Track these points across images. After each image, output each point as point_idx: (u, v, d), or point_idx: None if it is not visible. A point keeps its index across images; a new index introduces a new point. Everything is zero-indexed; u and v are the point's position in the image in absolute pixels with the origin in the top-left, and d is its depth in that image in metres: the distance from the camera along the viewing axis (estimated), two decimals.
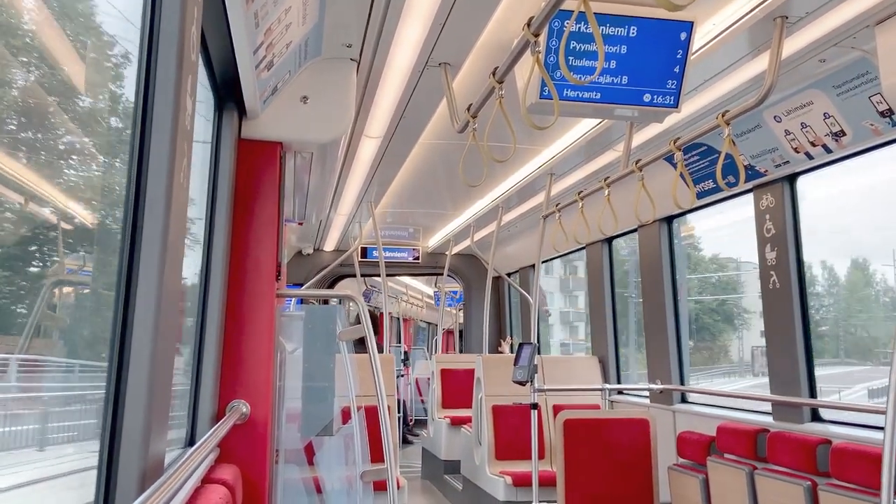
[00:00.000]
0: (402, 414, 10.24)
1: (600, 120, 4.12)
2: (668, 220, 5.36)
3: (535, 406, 4.98)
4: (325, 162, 4.68)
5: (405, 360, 11.96)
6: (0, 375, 1.46)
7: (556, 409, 5.37)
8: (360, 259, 8.64)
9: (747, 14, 2.85)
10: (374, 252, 8.79)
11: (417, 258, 9.33)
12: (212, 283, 2.64)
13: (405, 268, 9.79)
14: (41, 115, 1.49)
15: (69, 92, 1.60)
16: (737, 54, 3.19)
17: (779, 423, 4.07)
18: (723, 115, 3.17)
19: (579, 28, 2.86)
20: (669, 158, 3.86)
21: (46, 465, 1.62)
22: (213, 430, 2.35)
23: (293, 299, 7.81)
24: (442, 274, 9.40)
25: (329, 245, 9.01)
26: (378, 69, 3.40)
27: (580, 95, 3.00)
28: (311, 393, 3.36)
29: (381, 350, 7.31)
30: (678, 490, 4.52)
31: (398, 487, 4.70)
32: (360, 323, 3.20)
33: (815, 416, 3.97)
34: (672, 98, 3.06)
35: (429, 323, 20.91)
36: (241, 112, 2.86)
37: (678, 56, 2.98)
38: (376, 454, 3.55)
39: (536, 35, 2.46)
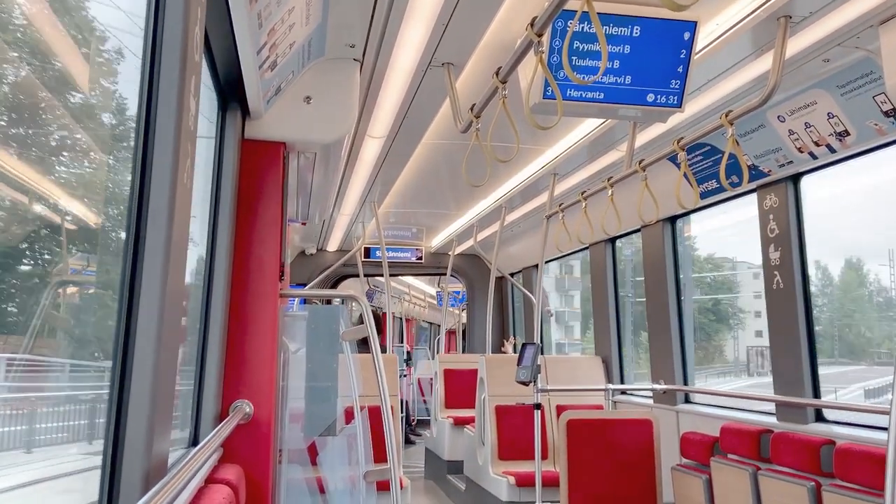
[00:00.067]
0: (404, 414, 10.23)
1: (603, 120, 4.12)
2: (672, 220, 5.35)
3: (538, 406, 4.98)
4: (328, 162, 4.68)
5: (408, 360, 11.96)
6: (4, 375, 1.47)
7: (560, 410, 5.36)
8: (363, 259, 8.65)
9: (751, 14, 2.84)
10: (377, 252, 8.80)
11: (420, 258, 9.33)
12: (215, 283, 2.65)
13: (408, 268, 9.79)
14: (44, 115, 1.50)
15: (70, 92, 1.60)
16: (740, 54, 3.18)
17: (782, 423, 4.06)
18: (726, 115, 3.17)
19: (583, 28, 2.86)
20: (673, 158, 3.85)
21: (35, 466, 1.62)
22: (216, 430, 2.36)
23: (296, 299, 7.82)
24: (445, 274, 9.40)
25: (332, 245, 9.02)
26: (381, 69, 3.41)
27: (583, 95, 3.00)
28: (315, 393, 3.36)
29: (384, 350, 7.32)
30: (681, 490, 4.51)
31: (401, 488, 4.70)
32: (362, 323, 3.20)
33: (819, 417, 3.97)
34: (675, 98, 3.06)
35: (431, 323, 20.91)
36: (245, 112, 2.87)
37: (682, 56, 2.98)
38: (379, 454, 3.55)
39: (540, 35, 2.46)
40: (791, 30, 2.87)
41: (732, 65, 3.29)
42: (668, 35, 2.93)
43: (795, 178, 4.06)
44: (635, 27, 2.89)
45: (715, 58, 3.19)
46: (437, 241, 9.09)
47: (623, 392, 6.12)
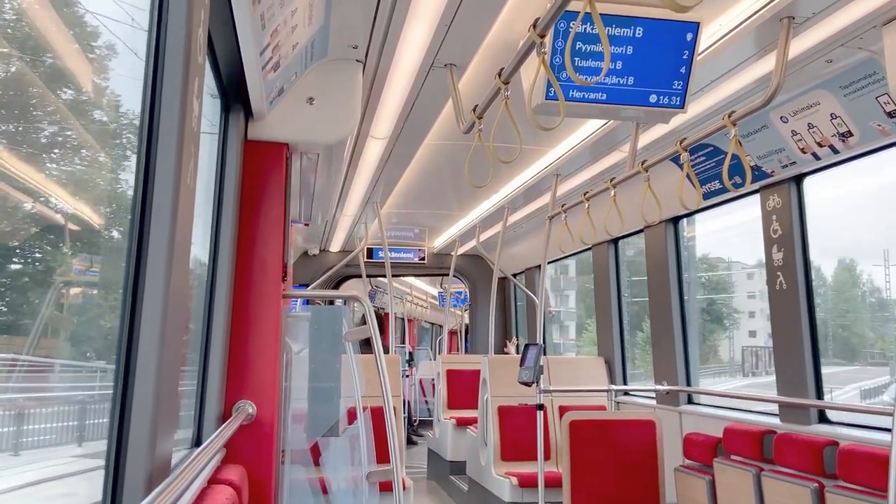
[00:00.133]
0: (406, 414, 10.24)
1: (606, 121, 4.12)
2: (675, 220, 5.35)
3: (540, 407, 4.98)
4: (331, 163, 4.69)
5: (409, 361, 11.97)
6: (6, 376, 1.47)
7: (562, 410, 5.36)
8: (365, 260, 8.65)
9: (754, 14, 2.84)
10: (379, 253, 8.80)
11: (423, 259, 9.33)
12: (218, 283, 2.65)
13: (411, 268, 9.80)
14: (47, 116, 1.50)
15: (69, 91, 1.61)
16: (743, 55, 3.18)
17: (786, 424, 4.05)
18: (729, 116, 3.16)
19: (585, 29, 2.86)
20: (676, 159, 3.85)
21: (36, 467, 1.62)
22: (219, 430, 2.36)
23: (299, 300, 7.82)
24: (448, 274, 9.40)
25: (335, 246, 9.03)
26: (384, 70, 3.41)
27: (586, 96, 3.00)
28: (317, 393, 3.36)
29: (386, 351, 7.32)
30: (684, 491, 4.51)
31: (404, 488, 4.70)
32: (365, 323, 3.20)
33: (822, 418, 3.96)
34: (678, 99, 3.06)
35: (432, 324, 20.92)
36: (248, 113, 2.87)
37: (684, 57, 2.97)
38: (382, 455, 3.55)
39: (542, 36, 2.46)
40: (794, 30, 2.87)
41: (735, 65, 3.29)
42: (671, 36, 2.93)
43: (798, 179, 4.05)
44: (638, 28, 2.89)
45: (718, 58, 3.18)
46: (439, 242, 9.09)
47: (626, 393, 6.11)
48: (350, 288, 10.78)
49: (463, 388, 7.79)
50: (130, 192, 1.55)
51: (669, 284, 5.30)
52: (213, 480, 2.20)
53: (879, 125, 3.30)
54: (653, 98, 3.03)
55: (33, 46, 1.41)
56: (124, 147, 1.76)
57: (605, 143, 4.57)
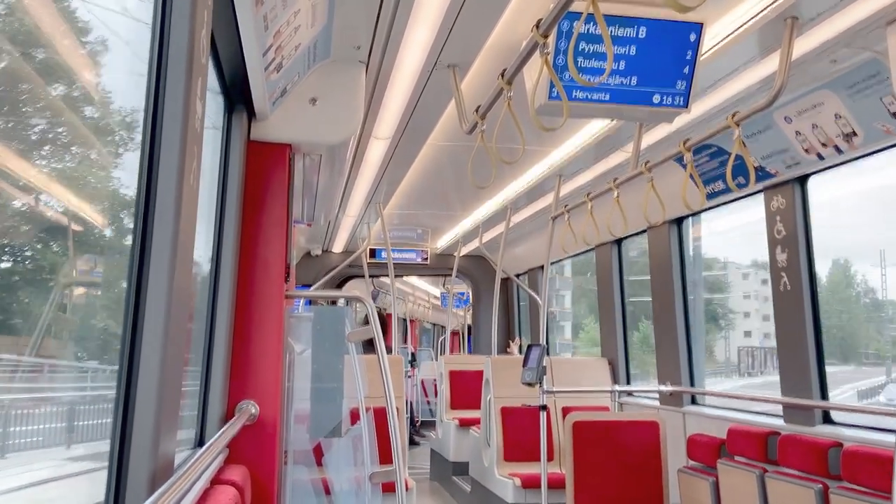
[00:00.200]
0: (408, 415, 10.24)
1: (609, 121, 4.11)
2: (678, 221, 5.34)
3: (543, 408, 4.97)
4: (333, 163, 4.69)
5: (412, 361, 11.98)
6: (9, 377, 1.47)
7: (565, 411, 5.35)
8: (368, 260, 8.66)
9: (757, 15, 2.83)
10: (382, 253, 8.80)
11: (426, 259, 9.33)
12: (221, 284, 2.65)
13: (413, 269, 9.79)
14: (49, 117, 1.50)
15: (76, 97, 1.61)
16: (747, 55, 3.17)
17: (790, 425, 4.04)
18: (733, 116, 3.16)
19: (588, 29, 2.86)
20: (679, 159, 3.84)
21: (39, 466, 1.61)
22: (222, 430, 2.36)
23: (302, 300, 7.83)
24: (450, 275, 9.40)
25: (337, 246, 9.03)
26: (387, 71, 3.41)
27: (589, 97, 2.99)
28: (320, 394, 3.36)
29: (389, 351, 7.32)
30: (688, 493, 4.50)
31: (407, 489, 4.70)
32: (368, 324, 3.20)
33: (827, 419, 3.95)
34: (682, 99, 3.05)
35: (434, 324, 20.93)
36: (251, 114, 2.88)
37: (688, 57, 2.97)
38: (385, 455, 3.55)
39: (545, 36, 2.46)
40: (798, 31, 2.86)
41: (739, 66, 3.28)
42: (674, 36, 2.92)
43: (802, 180, 4.04)
44: (641, 28, 2.89)
45: (721, 59, 3.18)
46: (442, 243, 9.09)
47: (629, 394, 6.10)
48: (352, 288, 10.78)
49: (466, 389, 7.78)
50: (133, 192, 1.56)
51: (673, 285, 5.29)
52: (216, 481, 2.20)
53: (884, 125, 3.29)
54: (656, 98, 3.03)
55: (35, 44, 1.41)
56: (128, 146, 1.76)
57: (609, 144, 4.57)
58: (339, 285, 9.95)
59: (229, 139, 2.73)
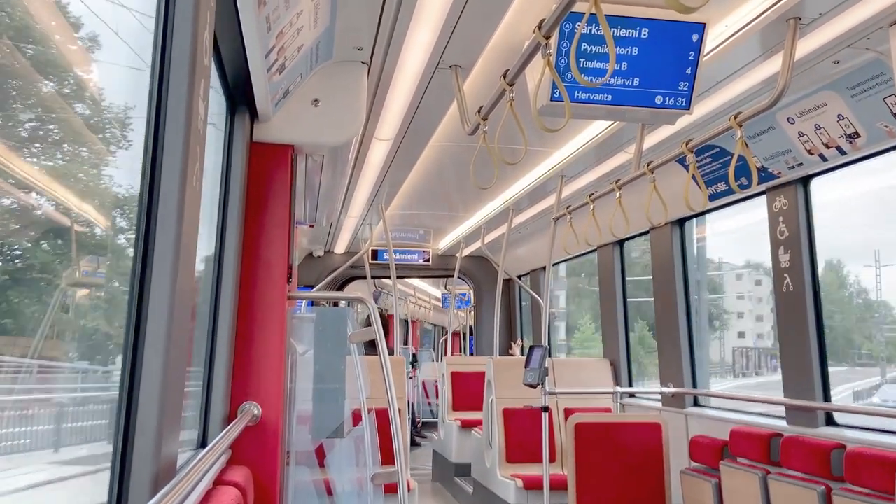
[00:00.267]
0: (410, 416, 10.24)
1: (611, 122, 4.11)
2: (680, 222, 5.33)
3: (546, 409, 4.96)
4: (336, 164, 4.69)
5: (413, 362, 11.98)
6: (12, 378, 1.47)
7: (567, 413, 5.35)
8: (370, 261, 8.66)
9: (760, 15, 2.83)
10: (384, 254, 8.81)
11: (428, 260, 9.33)
12: (223, 285, 2.65)
13: (415, 270, 9.79)
14: (51, 117, 1.51)
15: (74, 93, 1.61)
16: (749, 56, 3.17)
17: (792, 427, 4.03)
18: (735, 117, 3.15)
19: (590, 30, 2.85)
20: (681, 160, 3.84)
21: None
22: (224, 431, 2.36)
23: (304, 301, 7.83)
24: (452, 276, 9.39)
25: (340, 247, 9.04)
26: (389, 72, 3.41)
27: (591, 97, 2.99)
28: (322, 395, 3.36)
29: (390, 352, 7.32)
30: (691, 494, 4.49)
31: (409, 490, 4.70)
32: (369, 325, 3.20)
33: (830, 420, 3.94)
34: (684, 100, 3.05)
35: (435, 325, 20.92)
36: (253, 115, 2.88)
37: (690, 58, 2.96)
38: (387, 457, 3.55)
39: (547, 37, 2.45)
40: (801, 31, 2.86)
41: (741, 66, 3.28)
42: (677, 37, 2.92)
43: (805, 181, 4.04)
44: (643, 29, 2.89)
45: (724, 59, 3.17)
46: (444, 244, 9.09)
47: (631, 395, 6.09)
48: (354, 289, 10.79)
49: (468, 390, 7.78)
50: (135, 192, 1.56)
51: (675, 286, 5.28)
52: (219, 482, 2.20)
53: (887, 126, 3.28)
54: (658, 99, 3.03)
55: (39, 43, 1.41)
56: (130, 147, 1.76)
57: (611, 145, 4.56)
58: (342, 286, 9.95)
59: (232, 140, 2.73)
